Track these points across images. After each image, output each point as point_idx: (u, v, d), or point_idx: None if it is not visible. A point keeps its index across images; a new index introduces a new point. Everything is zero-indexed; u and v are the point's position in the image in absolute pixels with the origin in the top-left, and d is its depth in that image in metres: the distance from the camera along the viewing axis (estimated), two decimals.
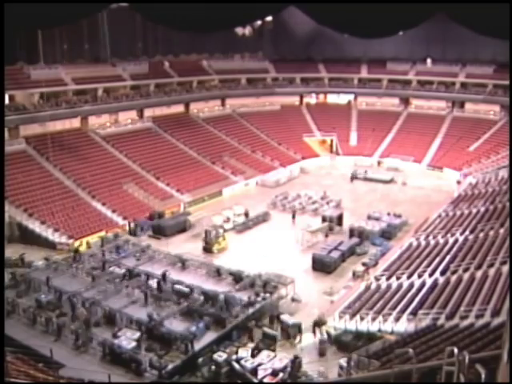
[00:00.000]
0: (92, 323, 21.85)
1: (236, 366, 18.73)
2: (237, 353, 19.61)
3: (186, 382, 18.69)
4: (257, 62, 63.55)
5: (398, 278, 24.72)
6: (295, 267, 28.84)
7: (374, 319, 20.71)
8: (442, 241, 28.59)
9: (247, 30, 54.40)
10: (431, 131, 56.14)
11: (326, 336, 20.95)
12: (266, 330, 21.80)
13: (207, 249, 31.74)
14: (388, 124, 58.67)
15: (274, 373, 18.38)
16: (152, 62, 54.49)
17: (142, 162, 45.40)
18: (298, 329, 21.75)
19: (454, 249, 26.61)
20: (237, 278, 25.71)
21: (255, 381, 18.18)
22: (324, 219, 35.85)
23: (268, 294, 24.08)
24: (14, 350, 13.71)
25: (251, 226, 36.26)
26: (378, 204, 40.30)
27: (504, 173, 40.38)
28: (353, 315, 21.49)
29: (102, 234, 33.79)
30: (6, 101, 41.78)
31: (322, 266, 28.81)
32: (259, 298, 23.62)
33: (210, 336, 21.23)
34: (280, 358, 19.18)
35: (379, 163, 53.18)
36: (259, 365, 18.80)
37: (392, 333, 19.73)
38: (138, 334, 20.86)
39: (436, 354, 13.59)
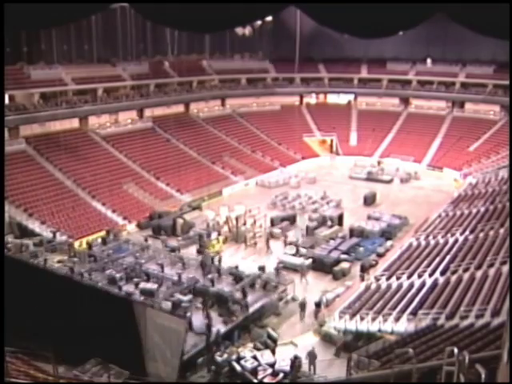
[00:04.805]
0: None
1: (236, 366, 18.73)
2: (238, 353, 19.61)
3: (185, 382, 18.69)
4: (257, 62, 63.50)
5: (398, 278, 24.71)
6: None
7: (374, 319, 20.70)
8: (442, 241, 28.58)
9: (247, 30, 54.34)
10: (431, 131, 56.15)
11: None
12: (270, 331, 21.79)
13: (202, 252, 31.52)
14: (388, 124, 58.69)
15: (274, 373, 18.40)
16: (152, 61, 54.49)
17: (141, 162, 45.41)
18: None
19: (454, 249, 26.60)
20: (237, 277, 25.71)
21: (255, 381, 18.19)
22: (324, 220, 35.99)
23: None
24: (14, 350, 13.69)
25: None
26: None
27: (504, 173, 40.38)
28: (353, 315, 21.48)
29: (102, 233, 33.76)
30: (6, 101, 41.78)
31: (321, 266, 28.83)
32: None
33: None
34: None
35: (379, 163, 53.15)
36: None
37: (392, 333, 19.72)
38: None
39: (436, 354, 13.60)
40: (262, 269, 26.49)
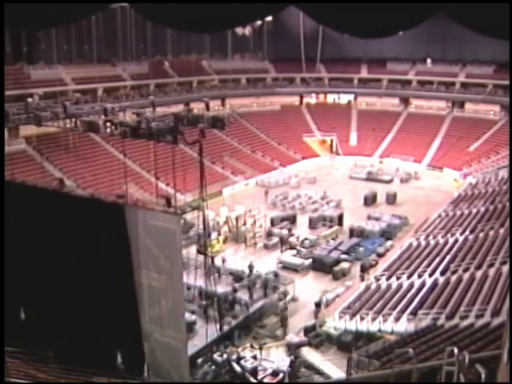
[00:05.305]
0: None
1: (236, 366, 18.72)
2: (238, 353, 19.60)
3: (186, 383, 18.67)
4: (257, 62, 63.49)
5: (398, 278, 24.72)
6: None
7: (374, 319, 20.70)
8: (442, 241, 28.58)
9: (247, 30, 54.41)
10: (431, 131, 56.13)
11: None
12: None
13: (201, 251, 31.37)
14: (388, 124, 58.65)
15: (274, 373, 18.39)
16: (152, 61, 54.47)
17: (141, 162, 45.36)
18: None
19: (454, 249, 26.61)
20: (237, 277, 25.70)
21: (255, 381, 18.19)
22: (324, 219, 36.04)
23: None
24: (14, 350, 13.71)
25: None
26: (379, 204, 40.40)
27: (504, 173, 40.37)
28: (353, 315, 21.48)
29: None
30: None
31: (321, 266, 28.82)
32: None
33: None
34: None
35: (381, 163, 53.10)
36: None
37: (392, 333, 19.72)
38: None
39: (436, 354, 13.61)
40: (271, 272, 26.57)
